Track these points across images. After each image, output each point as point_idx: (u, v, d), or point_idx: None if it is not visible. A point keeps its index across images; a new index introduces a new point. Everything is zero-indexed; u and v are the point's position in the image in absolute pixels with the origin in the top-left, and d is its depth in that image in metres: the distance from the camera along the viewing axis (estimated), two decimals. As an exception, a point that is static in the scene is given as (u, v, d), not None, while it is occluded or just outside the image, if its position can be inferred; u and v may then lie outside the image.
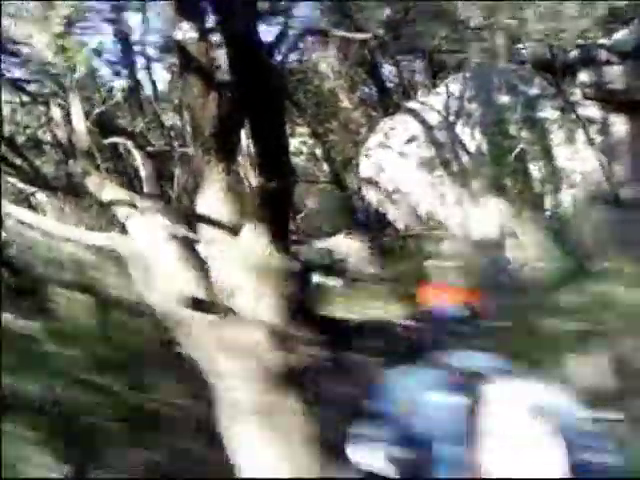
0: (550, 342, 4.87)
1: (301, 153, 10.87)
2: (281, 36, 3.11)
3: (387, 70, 11.01)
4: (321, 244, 12.25)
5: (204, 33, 2.99)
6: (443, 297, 2.12)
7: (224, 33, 2.34)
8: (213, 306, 2.87)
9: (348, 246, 11.59)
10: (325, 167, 11.02)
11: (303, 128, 10.76)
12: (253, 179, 2.89)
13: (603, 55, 6.05)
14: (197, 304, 3.08)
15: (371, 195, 7.34)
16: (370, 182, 7.24)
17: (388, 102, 10.07)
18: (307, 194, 13.30)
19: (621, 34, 6.19)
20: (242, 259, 2.87)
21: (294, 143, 10.04)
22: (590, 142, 5.61)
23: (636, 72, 5.76)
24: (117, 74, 8.50)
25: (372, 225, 9.16)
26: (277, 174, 2.64)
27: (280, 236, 2.92)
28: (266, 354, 2.89)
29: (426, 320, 2.08)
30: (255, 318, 2.87)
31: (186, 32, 2.88)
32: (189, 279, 3.11)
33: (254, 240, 2.80)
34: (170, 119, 7.70)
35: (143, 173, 3.62)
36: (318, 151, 10.78)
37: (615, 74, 5.87)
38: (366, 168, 7.36)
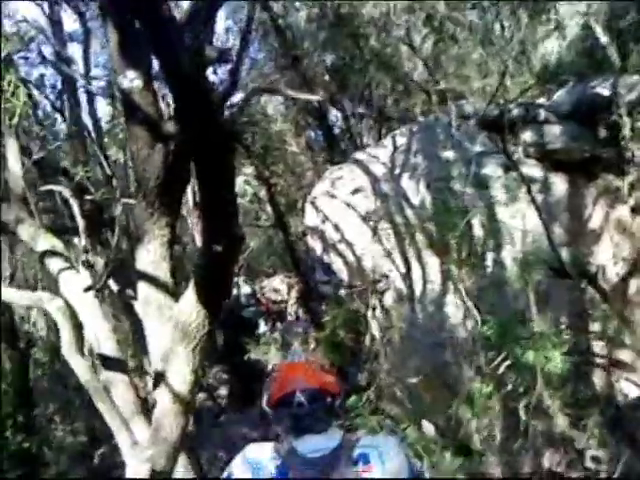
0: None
1: (245, 194, 10.78)
2: (231, 88, 3.02)
3: (334, 117, 11.12)
4: (258, 284, 12.13)
5: (150, 82, 2.88)
6: (298, 377, 2.06)
7: (170, 82, 2.23)
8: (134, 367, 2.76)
9: (286, 288, 11.49)
10: (269, 209, 10.94)
11: (248, 169, 10.69)
12: (198, 237, 2.78)
13: (542, 115, 6.21)
14: (117, 365, 2.94)
15: (315, 243, 7.26)
16: (315, 231, 7.16)
17: (335, 149, 10.13)
18: (249, 234, 13.20)
19: (558, 95, 6.40)
20: (176, 323, 2.72)
21: (238, 183, 9.94)
22: (532, 200, 5.70)
23: (573, 132, 5.93)
24: (58, 110, 8.25)
25: (313, 272, 9.09)
26: (224, 233, 2.51)
27: (220, 300, 2.78)
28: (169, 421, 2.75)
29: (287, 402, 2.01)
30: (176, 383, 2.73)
31: (132, 80, 2.76)
32: (114, 339, 2.96)
33: (191, 305, 2.65)
34: (115, 167, 7.48)
35: (80, 225, 3.44)
36: (263, 193, 10.71)
37: (554, 134, 6.02)
38: (311, 216, 7.29)
